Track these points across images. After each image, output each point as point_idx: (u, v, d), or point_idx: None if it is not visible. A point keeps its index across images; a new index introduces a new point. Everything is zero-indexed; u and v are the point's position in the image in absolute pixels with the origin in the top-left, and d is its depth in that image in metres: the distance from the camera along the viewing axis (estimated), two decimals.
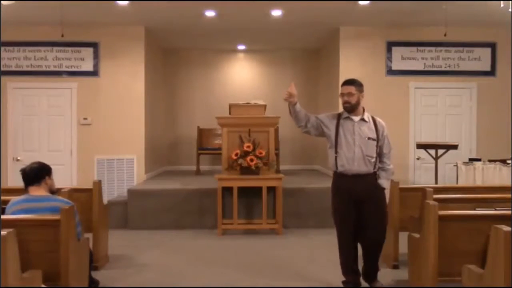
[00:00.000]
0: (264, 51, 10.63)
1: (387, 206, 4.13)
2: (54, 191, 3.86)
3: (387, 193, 4.15)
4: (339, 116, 4.03)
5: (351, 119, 3.97)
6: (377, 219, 3.96)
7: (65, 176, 7.98)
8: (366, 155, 3.91)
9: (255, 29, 8.65)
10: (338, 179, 4.01)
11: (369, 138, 3.93)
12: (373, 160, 3.93)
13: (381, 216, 4.00)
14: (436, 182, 7.11)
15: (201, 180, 8.01)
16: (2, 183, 7.43)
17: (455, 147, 7.03)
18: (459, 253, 3.40)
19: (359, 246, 4.11)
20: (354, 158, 3.89)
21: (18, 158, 8.14)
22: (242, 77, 10.77)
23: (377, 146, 3.95)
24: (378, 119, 4.06)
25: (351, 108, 3.95)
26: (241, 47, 10.45)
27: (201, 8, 7.25)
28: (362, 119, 3.98)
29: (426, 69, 8.37)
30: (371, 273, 4.11)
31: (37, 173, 3.74)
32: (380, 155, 3.99)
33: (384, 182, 4.01)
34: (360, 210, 3.95)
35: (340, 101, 4.03)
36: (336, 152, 3.97)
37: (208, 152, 9.69)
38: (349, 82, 4.00)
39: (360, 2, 6.97)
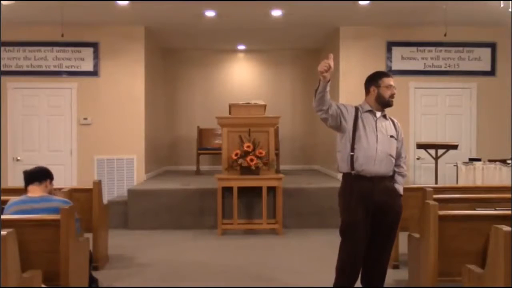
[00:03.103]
0: (264, 51, 10.63)
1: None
2: None
3: None
4: (357, 109, 3.55)
5: (374, 114, 3.53)
6: (387, 239, 3.56)
7: (65, 176, 7.98)
8: (390, 155, 3.49)
9: (255, 29, 8.65)
10: (353, 181, 3.47)
11: (391, 136, 3.53)
12: (393, 161, 3.53)
13: (392, 235, 3.58)
14: (436, 182, 7.11)
15: (201, 180, 8.01)
16: (2, 183, 7.42)
17: (455, 147, 7.03)
18: (459, 253, 3.40)
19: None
20: (375, 157, 3.42)
21: (18, 158, 8.14)
22: (242, 77, 10.77)
23: (396, 146, 3.58)
24: (395, 119, 3.69)
25: (391, 104, 3.55)
26: (241, 47, 10.45)
27: (201, 8, 7.24)
28: (384, 116, 3.58)
29: (426, 69, 8.37)
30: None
31: (41, 173, 3.77)
32: (397, 158, 3.58)
33: (401, 188, 3.57)
34: (373, 221, 3.47)
35: (376, 94, 3.53)
36: (352, 149, 3.45)
37: (208, 152, 9.69)
38: (390, 75, 3.62)
39: (360, 2, 6.96)
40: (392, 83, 3.54)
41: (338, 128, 3.53)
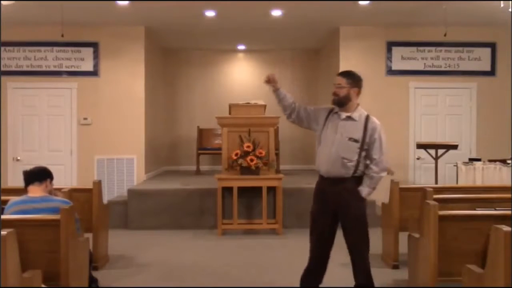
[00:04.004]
0: (264, 51, 10.62)
1: (367, 222, 3.57)
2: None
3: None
4: (330, 111, 3.66)
5: (339, 115, 3.58)
6: (354, 238, 3.55)
7: (65, 176, 7.99)
8: (343, 157, 3.48)
9: (255, 29, 8.65)
10: (318, 180, 3.71)
11: (350, 139, 3.49)
12: (352, 163, 3.48)
13: (358, 234, 3.54)
14: (436, 182, 7.11)
15: (201, 180, 8.01)
16: (2, 183, 7.43)
17: (455, 147, 7.03)
18: (459, 253, 3.41)
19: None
20: (328, 158, 3.52)
21: (18, 158, 8.14)
22: (242, 77, 10.76)
23: (360, 148, 3.49)
24: (372, 120, 3.56)
25: (339, 102, 3.56)
26: (241, 47, 10.45)
27: (201, 8, 7.24)
28: (349, 117, 3.55)
29: (426, 69, 8.36)
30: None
31: (41, 173, 3.77)
32: (368, 160, 3.55)
33: (365, 190, 3.52)
34: (338, 220, 3.60)
35: None
36: (318, 149, 3.68)
37: (208, 152, 9.69)
38: (342, 73, 3.66)
39: (360, 2, 6.96)
40: (334, 81, 3.63)
41: (311, 129, 3.75)
